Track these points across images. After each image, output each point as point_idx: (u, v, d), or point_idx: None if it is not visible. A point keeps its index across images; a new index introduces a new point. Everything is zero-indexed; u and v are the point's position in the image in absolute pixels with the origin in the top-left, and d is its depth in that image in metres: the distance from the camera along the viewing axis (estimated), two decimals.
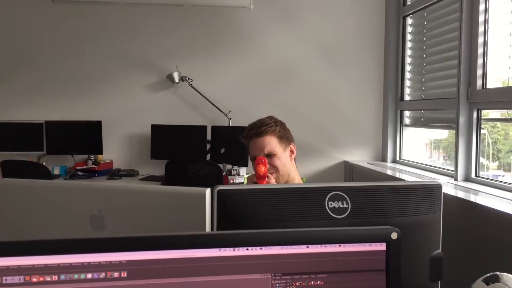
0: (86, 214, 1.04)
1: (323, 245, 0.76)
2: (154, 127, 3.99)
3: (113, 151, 4.08)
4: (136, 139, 4.10)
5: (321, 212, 1.05)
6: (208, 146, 3.95)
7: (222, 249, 0.73)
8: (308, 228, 0.81)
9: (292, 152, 1.87)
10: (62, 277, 0.69)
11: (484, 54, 2.83)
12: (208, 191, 1.02)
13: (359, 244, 0.77)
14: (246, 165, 3.66)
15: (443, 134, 3.67)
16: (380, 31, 4.14)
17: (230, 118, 4.00)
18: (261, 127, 1.79)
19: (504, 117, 2.89)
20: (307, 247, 0.76)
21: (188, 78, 3.99)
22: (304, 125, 4.06)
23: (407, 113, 3.98)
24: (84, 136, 3.97)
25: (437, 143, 3.85)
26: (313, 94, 4.14)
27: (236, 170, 3.76)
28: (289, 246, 0.75)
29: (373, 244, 0.77)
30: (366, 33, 4.15)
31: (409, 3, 3.88)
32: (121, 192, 1.07)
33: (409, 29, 3.91)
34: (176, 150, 3.96)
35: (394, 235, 0.77)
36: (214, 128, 3.98)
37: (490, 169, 2.97)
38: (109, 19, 4.04)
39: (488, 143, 2.97)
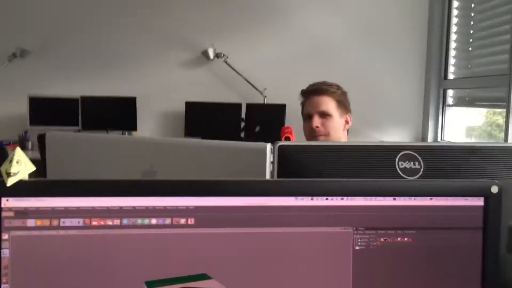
0: (138, 169, 0.97)
1: (412, 198, 0.67)
2: (189, 104, 3.93)
3: (147, 128, 4.05)
4: (170, 116, 4.06)
5: (392, 172, 0.96)
6: (243, 124, 3.87)
7: (299, 198, 0.65)
8: None
9: (347, 122, 1.78)
10: (125, 221, 0.62)
11: None
12: (268, 146, 0.94)
13: (454, 198, 0.67)
14: None
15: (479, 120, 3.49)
16: (424, 5, 3.95)
17: (266, 96, 3.91)
18: (322, 86, 1.72)
19: None
20: (394, 199, 0.67)
21: (223, 55, 3.91)
22: None
23: (450, 92, 3.79)
24: (119, 112, 3.95)
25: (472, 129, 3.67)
26: (352, 72, 3.98)
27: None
28: (374, 198, 0.66)
29: (470, 198, 0.68)
30: (409, 8, 3.96)
31: None
32: (174, 147, 1.00)
33: (455, 3, 3.71)
34: (210, 127, 3.90)
35: (494, 189, 0.68)
36: (249, 105, 3.90)
37: None
38: None
39: None
